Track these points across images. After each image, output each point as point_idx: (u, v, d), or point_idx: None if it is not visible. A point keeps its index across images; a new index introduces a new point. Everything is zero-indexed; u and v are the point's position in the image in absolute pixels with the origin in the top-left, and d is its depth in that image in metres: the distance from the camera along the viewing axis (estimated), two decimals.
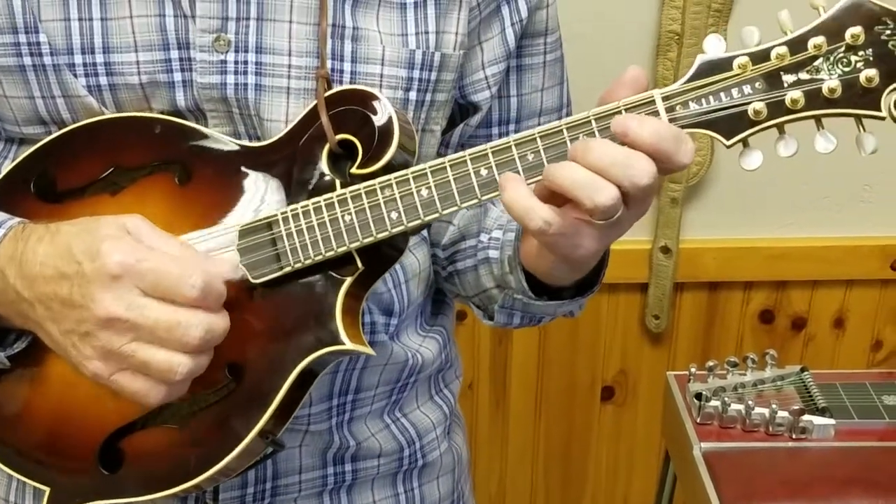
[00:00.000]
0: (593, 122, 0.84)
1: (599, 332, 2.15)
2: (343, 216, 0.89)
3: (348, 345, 0.90)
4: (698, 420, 1.64)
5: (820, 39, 0.81)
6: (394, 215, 0.88)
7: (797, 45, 0.82)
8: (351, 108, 0.91)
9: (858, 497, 1.52)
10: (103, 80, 0.94)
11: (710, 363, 1.70)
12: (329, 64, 0.95)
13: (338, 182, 0.90)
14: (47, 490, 0.95)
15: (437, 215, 0.87)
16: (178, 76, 0.95)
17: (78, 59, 0.94)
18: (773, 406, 1.61)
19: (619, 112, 0.84)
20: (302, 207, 0.90)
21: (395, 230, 0.88)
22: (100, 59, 0.94)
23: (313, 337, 0.90)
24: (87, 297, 0.82)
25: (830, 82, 0.81)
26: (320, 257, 0.90)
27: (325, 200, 0.89)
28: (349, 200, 0.89)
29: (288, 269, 0.90)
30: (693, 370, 1.69)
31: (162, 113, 0.96)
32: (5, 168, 0.98)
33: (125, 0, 0.93)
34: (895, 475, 1.55)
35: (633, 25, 1.90)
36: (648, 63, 1.91)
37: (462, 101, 1.06)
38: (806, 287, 2.12)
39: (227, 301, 0.88)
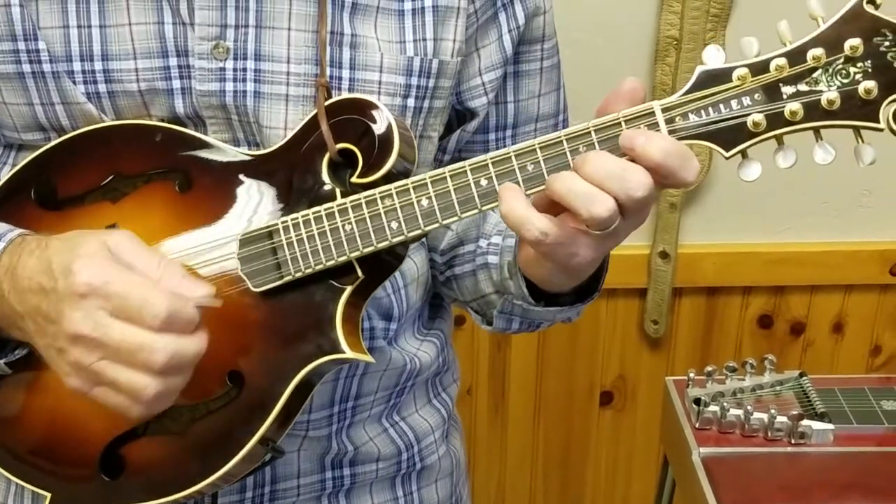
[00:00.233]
0: (593, 133, 0.84)
1: (598, 337, 2.15)
2: (343, 225, 0.89)
3: (348, 353, 0.90)
4: (697, 425, 1.64)
5: (819, 51, 0.81)
6: (394, 225, 0.88)
7: (796, 56, 0.82)
8: (351, 117, 0.91)
9: (857, 502, 1.52)
10: (102, 88, 0.95)
11: (709, 368, 1.70)
12: (327, 71, 0.95)
13: (338, 191, 0.90)
14: (48, 496, 0.95)
15: (437, 225, 0.88)
16: (176, 83, 0.95)
17: (77, 66, 0.94)
18: (772, 411, 1.61)
19: (619, 124, 0.84)
20: (302, 217, 0.90)
21: (395, 240, 0.89)
22: (99, 66, 0.94)
23: (313, 345, 0.91)
24: (58, 313, 0.82)
25: (829, 94, 0.81)
26: (321, 266, 0.90)
27: (325, 210, 0.90)
28: (349, 210, 0.89)
29: (288, 277, 0.91)
30: (692, 375, 1.69)
31: (161, 120, 0.96)
32: (5, 174, 0.98)
33: (124, 8, 0.93)
34: (894, 480, 1.54)
35: (632, 31, 1.90)
36: (646, 68, 1.90)
37: (459, 108, 1.06)
38: (805, 292, 2.12)
39: (229, 310, 0.88)
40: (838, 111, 0.81)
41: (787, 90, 0.82)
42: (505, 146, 1.09)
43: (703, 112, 0.83)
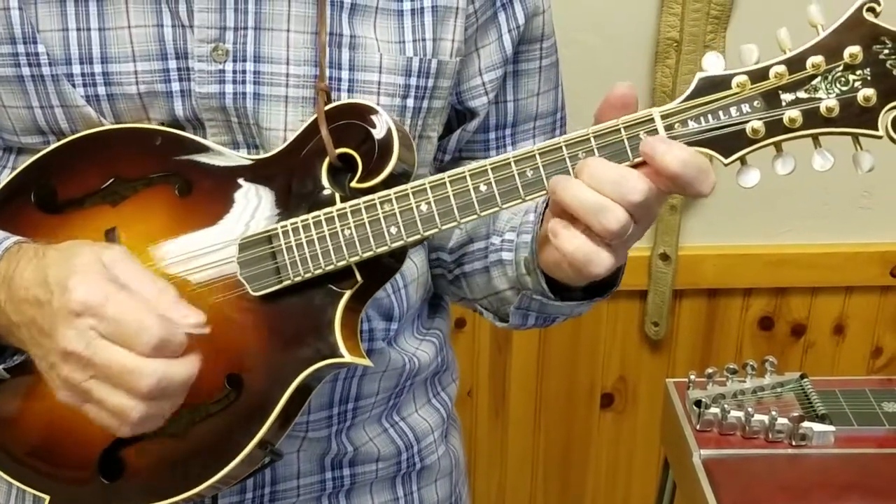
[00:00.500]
0: (592, 139, 0.84)
1: (599, 339, 2.14)
2: (343, 230, 0.89)
3: (347, 357, 0.90)
4: (698, 427, 1.63)
5: (818, 58, 0.81)
6: (393, 230, 0.88)
7: (796, 63, 0.82)
8: (351, 122, 0.91)
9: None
10: (101, 90, 0.95)
11: (710, 370, 1.70)
12: (327, 73, 0.95)
13: (337, 196, 0.91)
14: (47, 498, 0.95)
15: (436, 230, 0.88)
16: (176, 86, 0.95)
17: (76, 69, 0.94)
18: (773, 413, 1.61)
19: (618, 130, 0.84)
20: (302, 221, 0.90)
21: (394, 245, 0.89)
22: (98, 69, 0.94)
23: (312, 349, 0.91)
24: (52, 328, 0.82)
25: (828, 101, 0.81)
26: (320, 271, 0.90)
27: (324, 214, 0.90)
28: (349, 215, 0.89)
29: (287, 282, 0.91)
30: (692, 377, 1.69)
31: (160, 123, 0.96)
32: (5, 177, 0.98)
33: (123, 11, 0.93)
34: (894, 482, 1.54)
35: (631, 32, 1.90)
36: (646, 70, 1.90)
37: (459, 107, 1.07)
38: (805, 294, 2.11)
39: (228, 313, 0.88)
40: (837, 118, 0.81)
41: (787, 97, 0.82)
42: (504, 145, 1.10)
43: (702, 119, 0.83)
